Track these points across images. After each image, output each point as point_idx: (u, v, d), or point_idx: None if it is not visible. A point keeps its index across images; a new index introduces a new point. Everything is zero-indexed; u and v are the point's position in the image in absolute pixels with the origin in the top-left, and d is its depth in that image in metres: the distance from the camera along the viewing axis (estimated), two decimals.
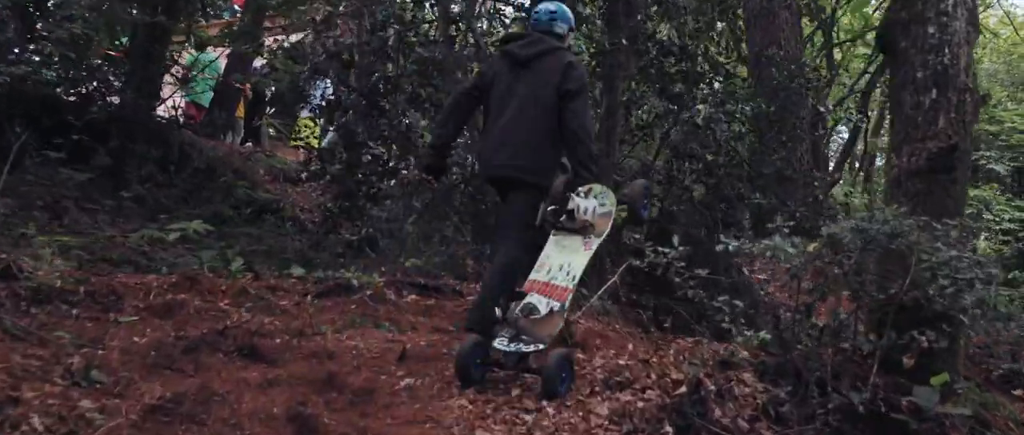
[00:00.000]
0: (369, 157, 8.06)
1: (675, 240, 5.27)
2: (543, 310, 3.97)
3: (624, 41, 6.92)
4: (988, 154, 19.47)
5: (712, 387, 3.67)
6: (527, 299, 4.03)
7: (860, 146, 19.39)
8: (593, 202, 4.28)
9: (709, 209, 7.59)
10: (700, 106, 7.27)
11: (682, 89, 7.18)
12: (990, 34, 25.96)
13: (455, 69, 7.85)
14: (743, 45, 10.98)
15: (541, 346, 3.87)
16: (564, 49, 4.67)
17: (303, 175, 10.63)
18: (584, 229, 4.25)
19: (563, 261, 4.16)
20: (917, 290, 3.25)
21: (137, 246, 6.35)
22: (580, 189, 4.30)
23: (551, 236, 4.31)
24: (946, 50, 3.77)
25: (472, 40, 7.89)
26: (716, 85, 7.80)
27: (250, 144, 13.57)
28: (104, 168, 7.98)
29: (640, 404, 3.64)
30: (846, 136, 18.72)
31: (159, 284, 5.01)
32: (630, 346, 4.60)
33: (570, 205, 4.25)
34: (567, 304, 4.05)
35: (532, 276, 4.16)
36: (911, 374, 3.62)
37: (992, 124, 21.28)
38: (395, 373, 4.00)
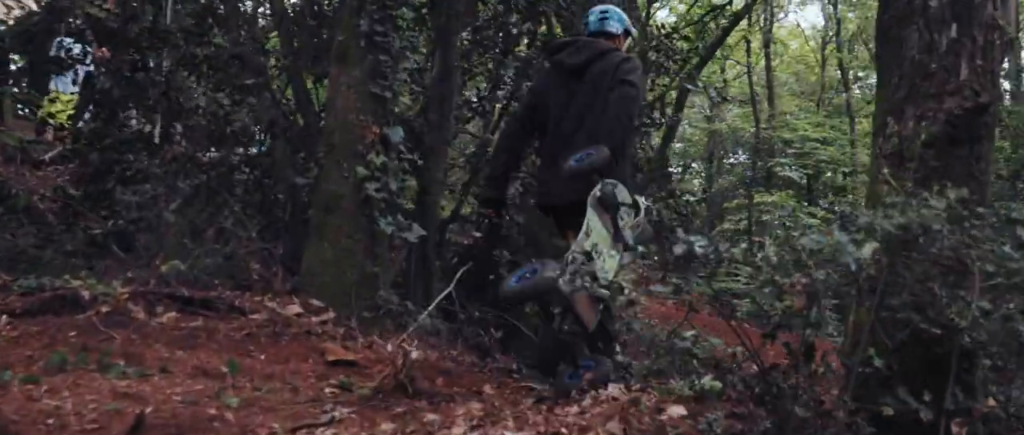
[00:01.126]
0: (126, 129, 6.25)
1: None
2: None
3: None
4: (784, 162, 19.92)
5: None
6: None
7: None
8: (640, 219, 3.73)
9: None
10: None
11: (529, 54, 5.92)
12: (782, 45, 27.05)
13: (239, 24, 6.21)
14: None
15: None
16: (616, 50, 4.11)
17: (47, 157, 8.56)
18: (621, 227, 3.59)
19: (596, 244, 3.49)
20: (983, 317, 2.07)
21: None
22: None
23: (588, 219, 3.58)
24: None
25: None
26: None
27: None
28: None
29: None
30: None
31: None
32: (486, 388, 3.27)
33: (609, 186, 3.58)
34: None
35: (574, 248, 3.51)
36: None
37: (786, 131, 21.98)
38: None
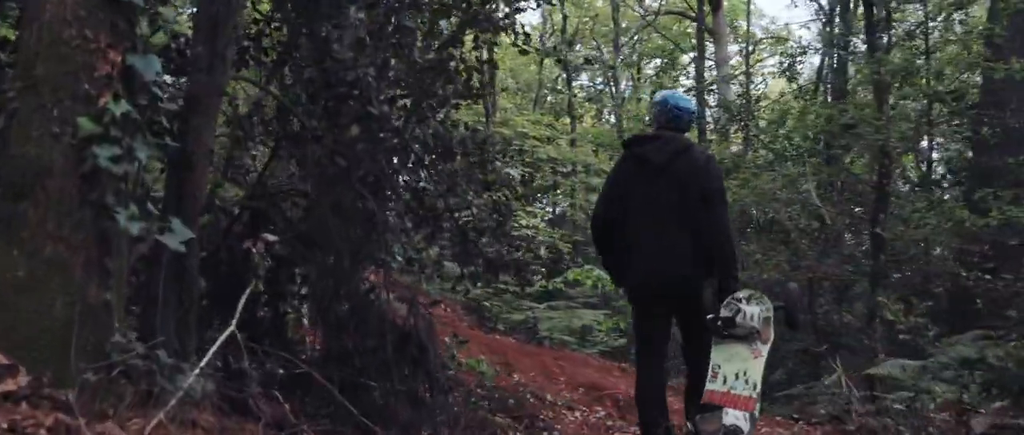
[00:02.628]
0: None
1: None
2: (745, 428, 3.84)
3: None
4: (505, 159, 19.22)
5: None
6: (725, 419, 3.85)
7: None
8: (756, 308, 4.06)
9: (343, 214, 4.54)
10: (362, 15, 4.23)
11: None
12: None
13: None
14: None
15: None
16: (694, 144, 4.62)
17: None
18: (749, 336, 4.04)
19: (737, 369, 4.01)
20: None
21: None
22: (739, 295, 4.09)
23: (714, 346, 4.10)
24: None
25: None
26: None
27: None
28: None
29: None
30: None
31: None
32: None
33: (727, 312, 4.02)
34: (757, 413, 3.95)
35: (710, 387, 4.00)
36: None
37: (506, 129, 21.46)
38: None
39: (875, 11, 9.58)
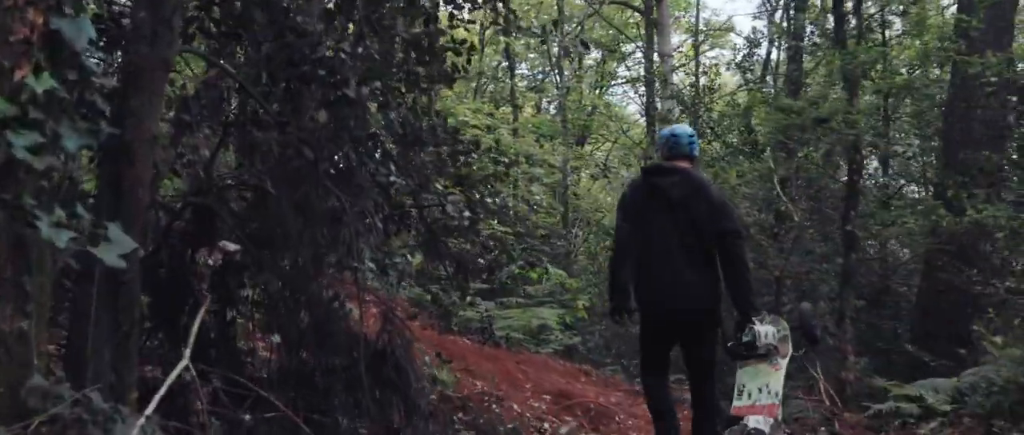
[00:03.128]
0: None
1: None
2: (766, 430, 4.08)
3: None
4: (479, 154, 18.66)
5: None
6: (750, 424, 4.11)
7: None
8: (771, 328, 4.33)
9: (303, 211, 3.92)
10: None
11: None
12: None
13: None
14: None
15: None
16: (709, 181, 4.94)
17: None
18: (768, 354, 4.30)
19: (760, 384, 4.28)
20: None
21: None
22: (753, 318, 4.35)
23: (739, 368, 4.39)
24: None
25: None
26: None
27: None
28: None
29: None
30: None
31: None
32: None
33: (747, 337, 4.29)
34: (780, 417, 4.27)
35: (736, 403, 4.28)
36: None
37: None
38: None
39: (844, 2, 9.27)
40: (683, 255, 4.39)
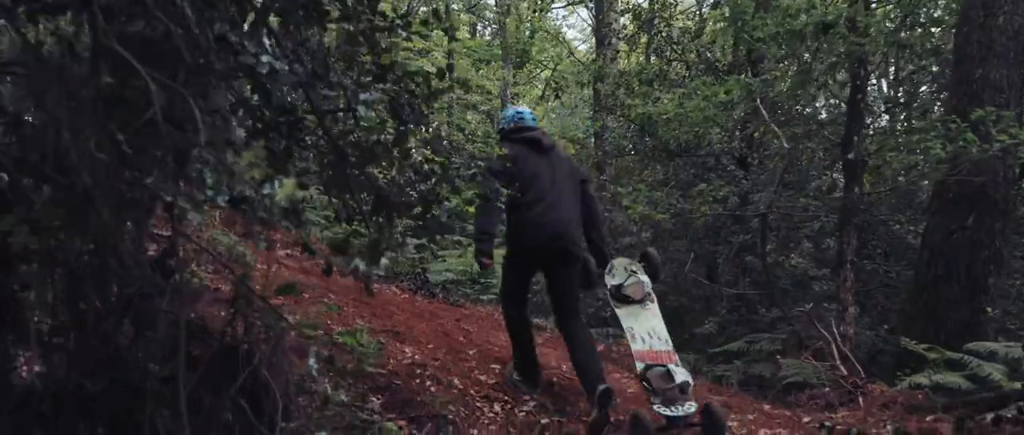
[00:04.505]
0: None
1: None
2: (690, 380, 4.38)
3: None
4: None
5: None
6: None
7: None
8: (644, 277, 4.83)
9: None
10: None
11: None
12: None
13: None
14: None
15: (694, 406, 4.24)
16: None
17: None
18: (643, 300, 4.75)
19: (648, 327, 4.63)
20: None
21: None
22: (615, 263, 4.98)
23: (616, 310, 4.82)
24: None
25: None
26: None
27: None
28: None
29: None
30: None
31: None
32: None
33: (615, 280, 4.85)
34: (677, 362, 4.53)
35: (634, 347, 4.58)
36: None
37: None
38: None
39: None
40: (565, 193, 4.99)
